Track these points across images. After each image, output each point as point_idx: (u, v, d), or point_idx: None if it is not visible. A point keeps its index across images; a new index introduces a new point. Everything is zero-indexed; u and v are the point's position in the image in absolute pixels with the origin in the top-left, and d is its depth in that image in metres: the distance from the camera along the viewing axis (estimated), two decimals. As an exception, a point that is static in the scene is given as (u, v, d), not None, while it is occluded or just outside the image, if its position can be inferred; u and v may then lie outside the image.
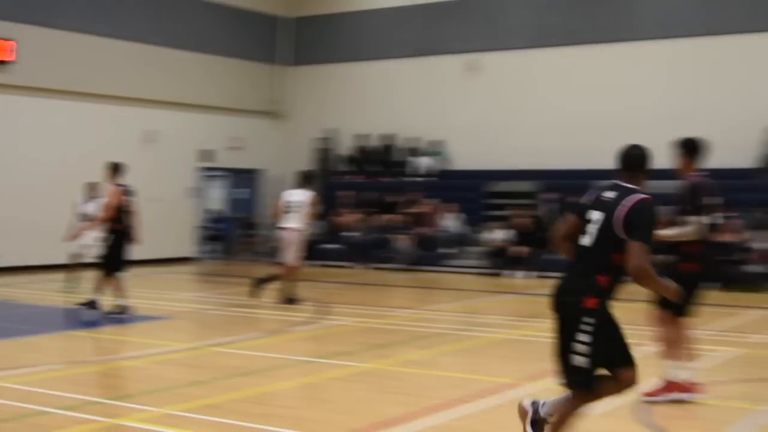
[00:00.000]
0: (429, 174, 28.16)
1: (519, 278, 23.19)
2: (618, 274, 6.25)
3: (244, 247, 28.97)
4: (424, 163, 28.46)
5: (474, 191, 26.96)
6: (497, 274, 23.67)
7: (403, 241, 25.57)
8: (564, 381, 6.46)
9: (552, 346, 6.55)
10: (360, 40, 30.13)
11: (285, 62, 31.37)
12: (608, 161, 24.56)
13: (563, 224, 6.78)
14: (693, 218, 9.09)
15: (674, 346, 9.37)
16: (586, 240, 6.40)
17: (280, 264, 17.53)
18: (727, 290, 20.35)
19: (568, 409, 6.59)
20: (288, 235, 17.17)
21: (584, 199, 6.60)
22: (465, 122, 27.99)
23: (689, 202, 9.21)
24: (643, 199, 6.31)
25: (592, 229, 6.36)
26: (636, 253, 6.13)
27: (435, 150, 28.64)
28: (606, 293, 6.27)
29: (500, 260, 23.94)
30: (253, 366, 11.11)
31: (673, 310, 9.30)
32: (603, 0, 26.56)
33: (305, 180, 17.94)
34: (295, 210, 17.10)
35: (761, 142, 24.02)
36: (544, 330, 14.67)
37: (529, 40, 27.41)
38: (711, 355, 12.24)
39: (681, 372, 9.28)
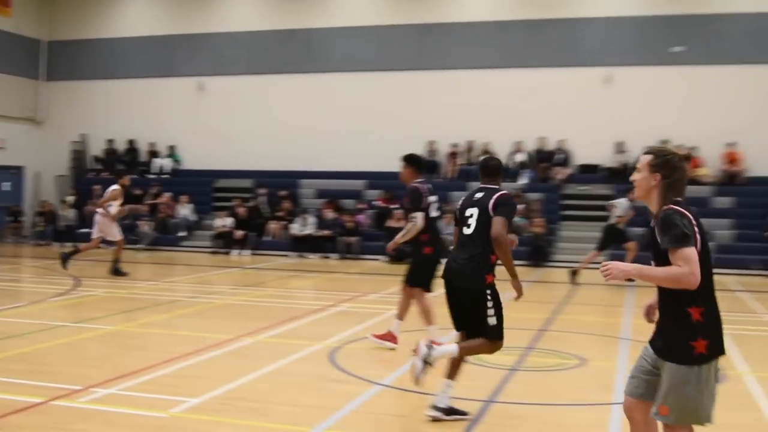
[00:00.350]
0: (166, 172, 27.61)
1: (238, 256, 23.19)
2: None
3: (10, 231, 27.28)
4: (161, 163, 27.87)
5: (203, 186, 26.70)
6: (223, 253, 23.55)
7: (145, 226, 24.93)
8: (482, 334, 6.67)
9: (453, 312, 6.86)
10: (109, 62, 28.98)
11: (45, 78, 29.75)
12: (306, 164, 25.03)
13: (455, 235, 7.03)
14: (418, 215, 9.26)
15: (428, 314, 9.60)
16: (468, 231, 6.75)
17: (113, 242, 17.25)
18: (400, 263, 21.21)
19: (476, 349, 6.83)
20: (96, 217, 17.04)
21: (459, 206, 6.96)
22: (195, 131, 27.68)
23: (415, 203, 9.33)
24: (504, 193, 6.82)
25: (471, 222, 6.73)
26: (497, 224, 6.57)
27: (171, 153, 28.10)
28: (494, 267, 6.68)
29: (224, 241, 23.81)
30: (16, 330, 10.55)
31: (421, 285, 9.56)
32: (300, 40, 26.92)
33: (115, 178, 17.86)
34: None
35: (424, 152, 25.17)
36: (257, 296, 14.83)
37: (245, 69, 27.43)
38: (387, 311, 12.77)
39: (435, 334, 9.41)
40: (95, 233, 17.02)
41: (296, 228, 23.38)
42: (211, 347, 9.59)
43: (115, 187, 17.01)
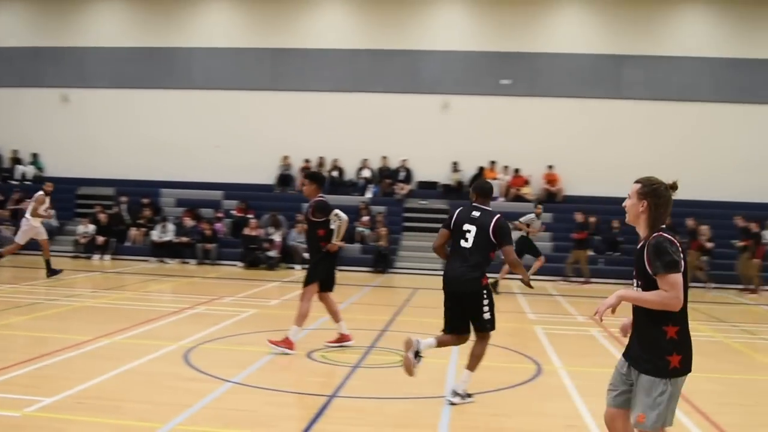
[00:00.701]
0: (29, 179, 26.19)
1: (100, 261, 22.24)
2: (489, 262, 7.30)
3: None
4: (24, 170, 26.44)
5: (66, 193, 25.39)
6: (84, 257, 22.50)
7: (7, 231, 23.50)
8: (479, 329, 7.31)
9: (451, 313, 7.30)
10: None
11: None
12: (167, 174, 24.05)
13: (439, 238, 7.47)
14: (338, 211, 9.41)
15: (303, 318, 9.39)
16: (466, 244, 7.26)
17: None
18: (255, 268, 20.96)
19: (482, 348, 7.34)
20: (22, 221, 16.91)
21: (454, 219, 7.35)
22: (59, 140, 26.41)
23: (325, 210, 9.39)
24: (500, 217, 7.35)
25: (470, 237, 7.24)
26: (508, 253, 7.26)
27: (34, 160, 26.70)
28: (486, 274, 7.26)
29: (86, 246, 22.76)
30: None
31: (313, 281, 9.45)
32: (162, 58, 26.15)
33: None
34: (29, 205, 17.06)
35: (278, 166, 25.01)
36: (116, 299, 14.23)
37: (109, 83, 26.44)
38: (240, 314, 12.53)
39: (294, 334, 9.35)
40: (39, 235, 16.94)
41: (156, 234, 22.64)
42: (69, 348, 9.11)
43: (40, 193, 16.84)
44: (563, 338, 11.33)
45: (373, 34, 25.51)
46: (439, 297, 7.46)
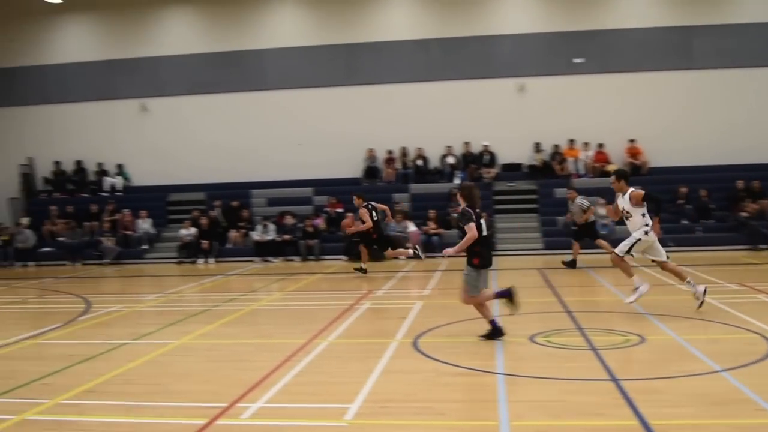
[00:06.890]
0: (118, 189, 26.05)
1: (205, 264, 22.06)
2: None
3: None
4: (112, 181, 26.29)
5: (156, 201, 25.28)
6: (188, 262, 22.32)
7: (108, 242, 23.36)
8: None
9: None
10: (51, 87, 26.97)
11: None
12: (254, 175, 22.99)
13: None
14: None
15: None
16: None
17: None
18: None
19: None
20: None
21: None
22: (142, 149, 26.40)
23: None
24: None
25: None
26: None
27: (120, 171, 26.55)
28: None
29: (189, 251, 22.56)
30: (86, 352, 9.48)
31: None
32: (235, 61, 25.94)
33: None
34: None
35: (363, 159, 24.75)
36: (274, 300, 13.96)
37: (185, 90, 26.23)
38: (412, 306, 12.21)
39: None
40: None
41: (257, 234, 22.39)
42: (299, 352, 8.89)
43: None
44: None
45: (443, 22, 25.17)
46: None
